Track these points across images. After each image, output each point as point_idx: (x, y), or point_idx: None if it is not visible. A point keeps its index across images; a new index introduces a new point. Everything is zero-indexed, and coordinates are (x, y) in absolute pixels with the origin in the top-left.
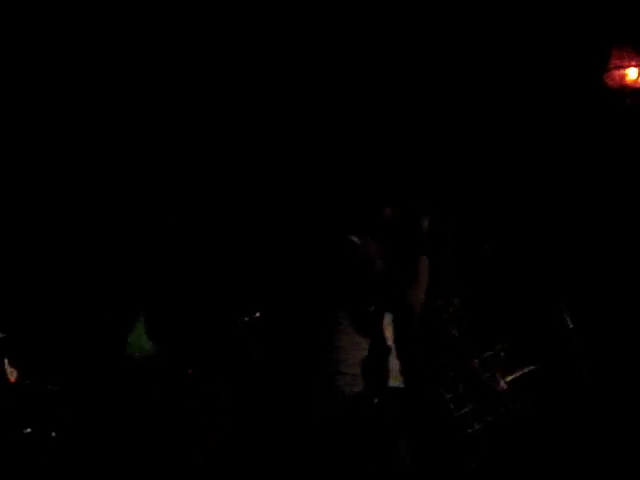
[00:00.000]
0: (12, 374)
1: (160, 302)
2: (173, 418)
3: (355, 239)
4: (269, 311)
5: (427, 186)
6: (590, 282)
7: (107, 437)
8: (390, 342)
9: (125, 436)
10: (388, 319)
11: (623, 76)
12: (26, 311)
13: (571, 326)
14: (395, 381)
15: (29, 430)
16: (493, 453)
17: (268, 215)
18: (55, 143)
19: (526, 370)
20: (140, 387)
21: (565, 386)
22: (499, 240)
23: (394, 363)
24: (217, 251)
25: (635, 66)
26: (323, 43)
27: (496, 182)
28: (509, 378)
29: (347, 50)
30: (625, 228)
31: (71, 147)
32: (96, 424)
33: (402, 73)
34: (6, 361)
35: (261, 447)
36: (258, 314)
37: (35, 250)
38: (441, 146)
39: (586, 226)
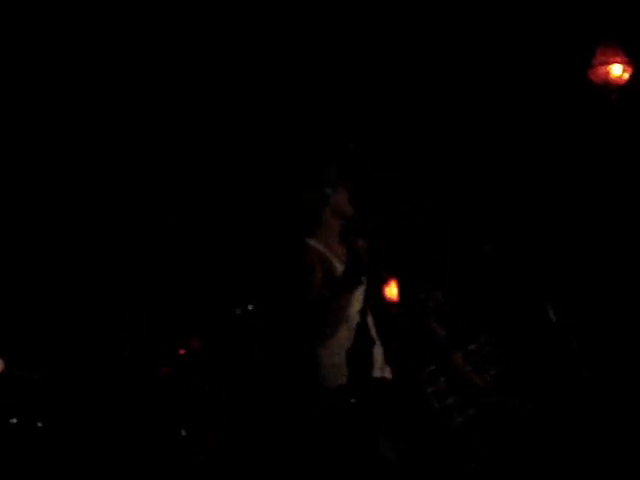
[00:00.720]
0: None
1: (159, 300)
2: (173, 418)
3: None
4: (264, 309)
5: (428, 186)
6: (590, 281)
7: (105, 435)
8: (374, 332)
9: (125, 436)
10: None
11: (608, 72)
12: (12, 302)
13: (554, 319)
14: (380, 372)
15: (14, 420)
16: (476, 447)
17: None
18: (55, 143)
19: (510, 364)
20: (140, 387)
21: (552, 381)
22: (482, 234)
23: (378, 353)
24: (214, 250)
25: (620, 62)
26: (323, 43)
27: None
28: (493, 372)
29: (347, 50)
30: (617, 223)
31: (71, 147)
32: (88, 418)
33: (400, 74)
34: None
35: (261, 447)
36: (251, 307)
37: (24, 244)
38: (439, 147)
39: (577, 222)
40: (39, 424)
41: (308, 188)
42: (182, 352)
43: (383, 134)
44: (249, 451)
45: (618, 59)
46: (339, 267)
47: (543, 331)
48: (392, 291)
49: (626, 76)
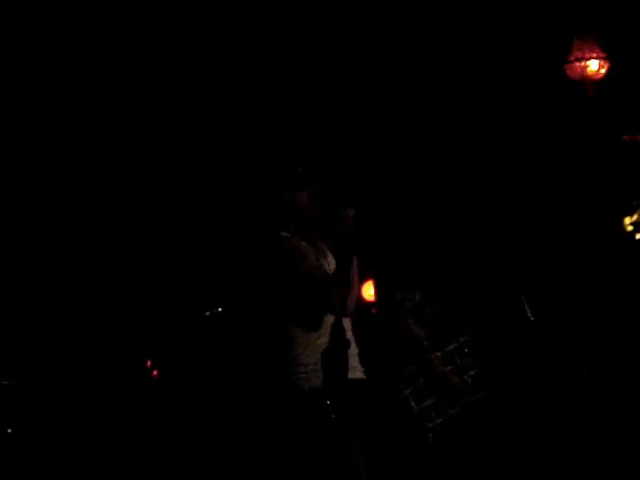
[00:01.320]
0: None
1: (158, 299)
2: (173, 418)
3: (285, 234)
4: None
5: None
6: (588, 281)
7: (104, 437)
8: (349, 333)
9: (125, 437)
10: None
11: (584, 68)
12: (8, 312)
13: (531, 318)
14: (356, 373)
15: (9, 430)
16: (457, 448)
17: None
18: (55, 143)
19: (489, 363)
20: (140, 387)
21: (535, 378)
22: (477, 234)
23: (354, 355)
24: (215, 249)
25: (596, 58)
26: (323, 43)
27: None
28: (472, 372)
29: (347, 50)
30: (585, 216)
31: (71, 147)
32: (89, 423)
33: (400, 73)
34: None
35: (261, 447)
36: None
37: (23, 249)
38: (437, 148)
39: (554, 220)
40: (38, 432)
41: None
42: (180, 353)
43: (383, 134)
44: (249, 451)
45: (594, 54)
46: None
47: (522, 328)
48: (370, 291)
49: (603, 72)
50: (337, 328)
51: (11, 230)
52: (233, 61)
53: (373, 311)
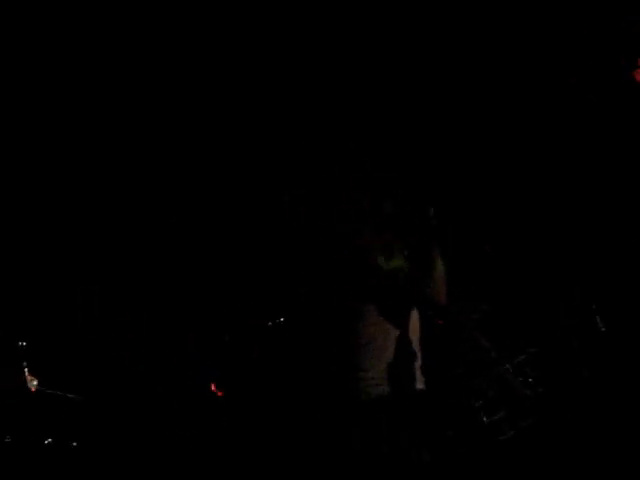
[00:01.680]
0: (32, 382)
1: (158, 299)
2: (173, 418)
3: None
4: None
5: (427, 186)
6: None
7: (104, 437)
8: (416, 345)
9: (125, 437)
10: (414, 320)
11: None
12: (45, 319)
13: (603, 329)
14: (417, 384)
15: (50, 440)
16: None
17: (267, 215)
18: (55, 143)
19: (560, 373)
20: (139, 387)
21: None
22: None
23: (417, 366)
24: (217, 251)
25: None
26: (323, 43)
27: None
28: (543, 383)
29: (347, 49)
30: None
31: (71, 147)
32: (89, 423)
33: (400, 73)
34: (26, 370)
35: (261, 447)
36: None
37: (48, 256)
38: (441, 146)
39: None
40: (73, 443)
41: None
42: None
43: (383, 134)
44: (249, 451)
45: None
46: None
47: (592, 339)
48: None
49: None
50: (404, 339)
51: (11, 230)
52: (233, 61)
53: (439, 322)
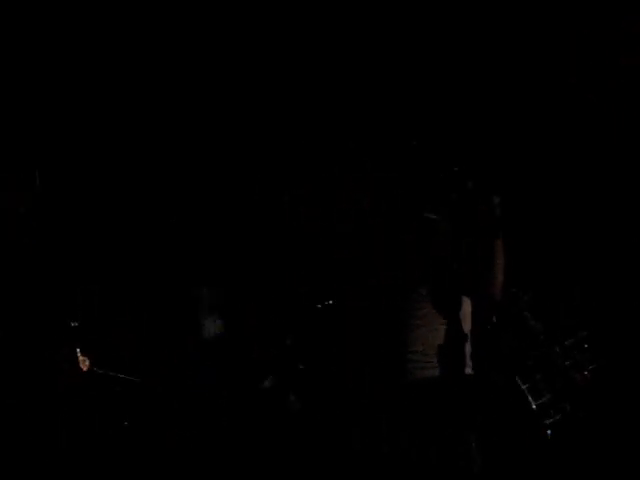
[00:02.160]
0: (84, 362)
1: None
2: (173, 418)
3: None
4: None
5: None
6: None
7: (105, 437)
8: (467, 329)
9: (125, 437)
10: (467, 305)
11: None
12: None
13: None
14: (466, 368)
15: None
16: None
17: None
18: (55, 143)
19: (608, 359)
20: (139, 387)
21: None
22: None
23: (467, 350)
24: (217, 251)
25: None
26: (323, 43)
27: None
28: (591, 367)
29: (347, 49)
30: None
31: (71, 147)
32: (89, 423)
33: (400, 74)
34: (78, 350)
35: (261, 447)
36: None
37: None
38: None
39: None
40: (125, 423)
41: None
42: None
43: (383, 134)
44: (249, 451)
45: None
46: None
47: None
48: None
49: None
50: (456, 321)
51: (11, 230)
52: (233, 61)
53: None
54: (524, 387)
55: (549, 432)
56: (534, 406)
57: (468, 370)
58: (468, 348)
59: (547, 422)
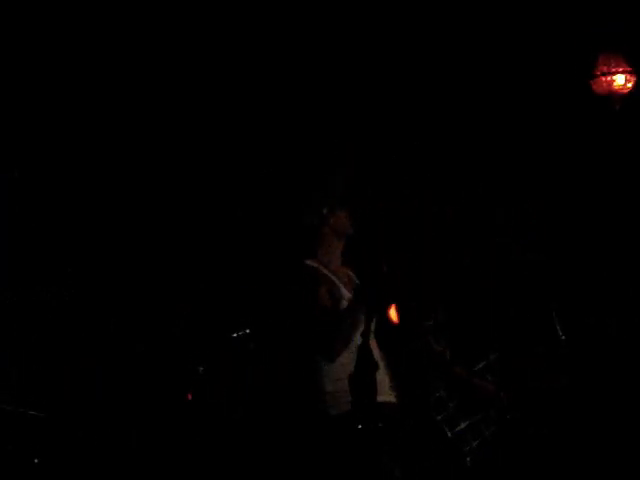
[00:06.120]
0: None
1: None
2: (174, 418)
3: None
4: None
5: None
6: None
7: (104, 437)
8: (377, 355)
9: (125, 437)
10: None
11: (611, 82)
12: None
13: (563, 337)
14: (386, 397)
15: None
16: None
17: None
18: (54, 143)
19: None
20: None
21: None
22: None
23: (384, 378)
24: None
25: (622, 72)
26: (323, 43)
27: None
28: (504, 388)
29: (347, 49)
30: (617, 231)
31: (71, 147)
32: (89, 423)
33: (400, 74)
34: None
35: (261, 447)
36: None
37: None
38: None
39: (575, 229)
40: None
41: (307, 208)
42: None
43: (383, 134)
44: (249, 451)
45: (621, 69)
46: (341, 289)
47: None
48: (392, 313)
49: (629, 86)
50: (364, 351)
51: (11, 230)
52: (233, 61)
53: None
54: (439, 418)
55: (468, 459)
56: (449, 435)
57: (390, 398)
58: (384, 374)
59: (466, 449)
